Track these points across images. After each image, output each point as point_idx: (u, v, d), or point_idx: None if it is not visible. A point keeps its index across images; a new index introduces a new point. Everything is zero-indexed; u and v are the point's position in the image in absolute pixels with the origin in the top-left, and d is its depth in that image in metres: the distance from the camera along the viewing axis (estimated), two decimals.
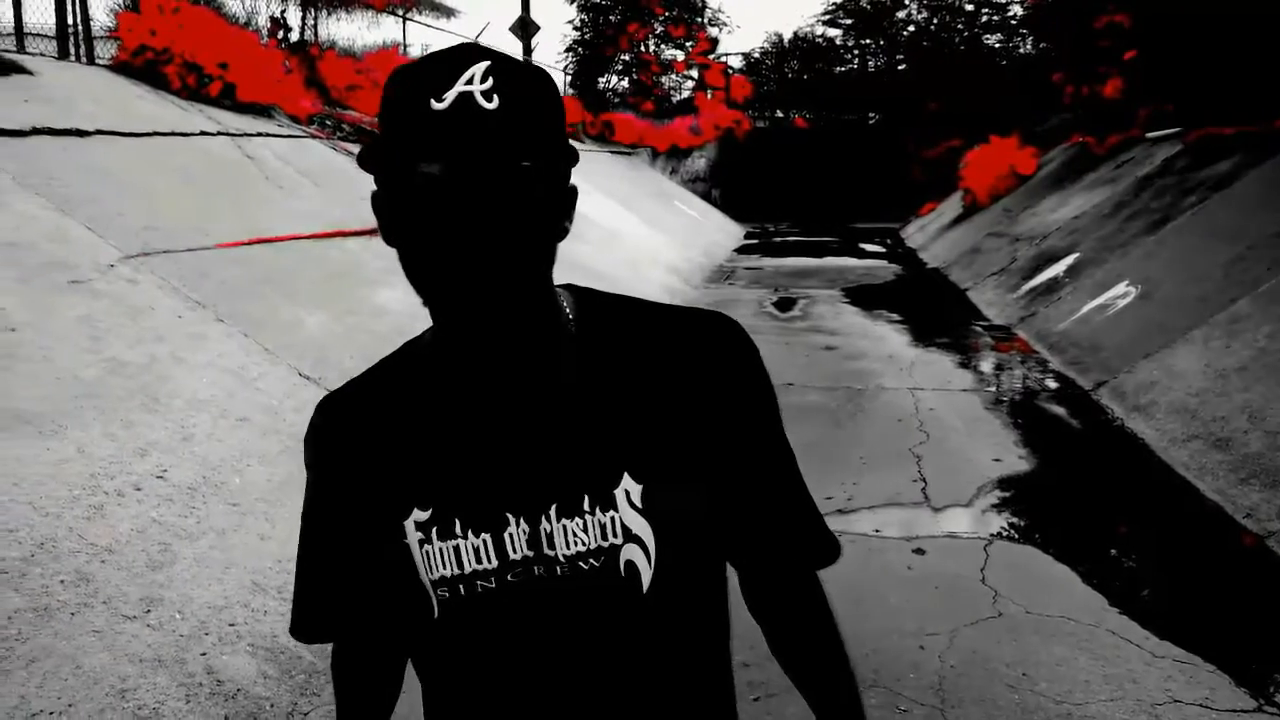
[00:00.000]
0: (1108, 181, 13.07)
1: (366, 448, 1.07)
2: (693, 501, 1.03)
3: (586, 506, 1.00)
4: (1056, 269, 10.90)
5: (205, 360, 4.59)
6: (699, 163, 27.61)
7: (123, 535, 3.29)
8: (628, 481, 1.00)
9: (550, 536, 1.00)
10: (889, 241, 21.22)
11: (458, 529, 1.01)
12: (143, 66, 8.32)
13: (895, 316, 11.09)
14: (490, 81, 0.88)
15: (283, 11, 11.76)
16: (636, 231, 14.69)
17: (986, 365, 8.62)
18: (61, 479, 3.37)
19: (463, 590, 1.02)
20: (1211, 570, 4.32)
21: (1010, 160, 17.44)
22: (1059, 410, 6.93)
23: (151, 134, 6.98)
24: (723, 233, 21.43)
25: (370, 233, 7.74)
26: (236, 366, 4.70)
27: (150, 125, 7.13)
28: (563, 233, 0.99)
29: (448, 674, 1.10)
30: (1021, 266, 12.19)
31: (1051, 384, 7.71)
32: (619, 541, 1.00)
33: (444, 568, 1.02)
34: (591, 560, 1.00)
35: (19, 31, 8.64)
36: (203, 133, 7.68)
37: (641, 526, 1.00)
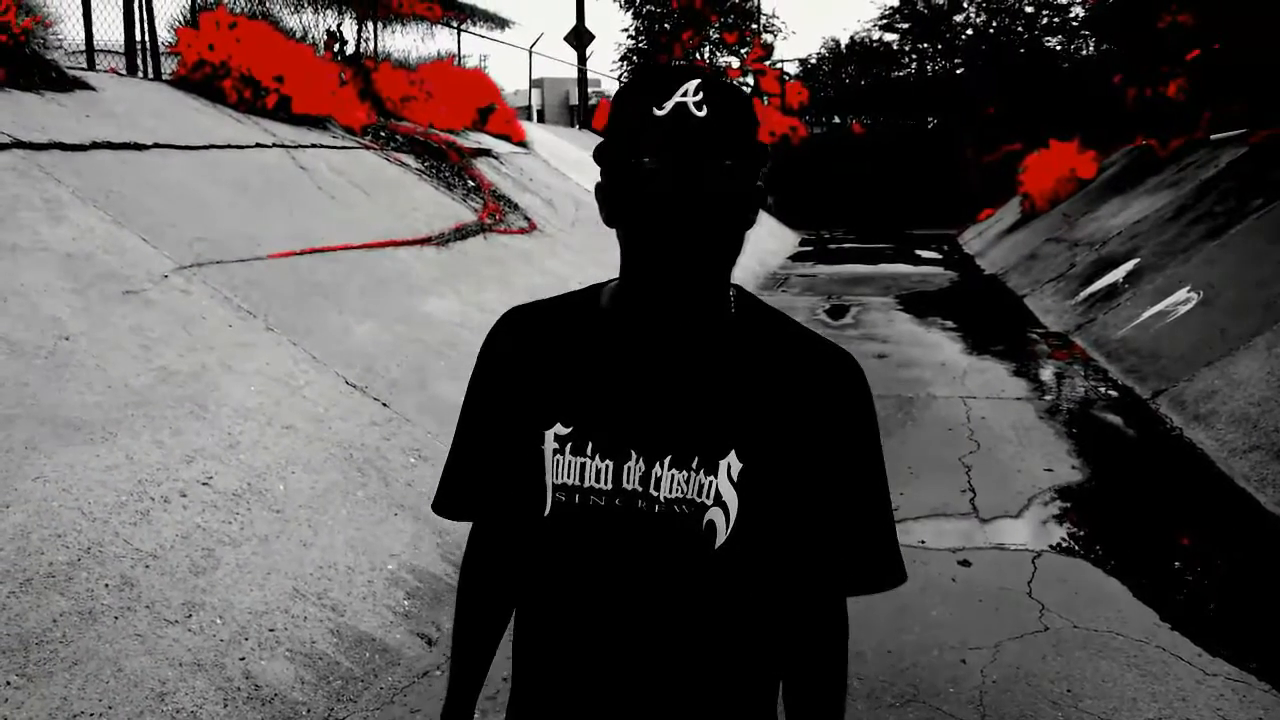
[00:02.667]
0: (1170, 185, 12.77)
1: (532, 361, 1.27)
2: (779, 494, 1.19)
3: (694, 465, 1.17)
4: (1116, 275, 10.67)
5: (253, 369, 4.67)
6: None
7: (167, 541, 3.36)
8: (732, 457, 1.17)
9: (659, 479, 1.18)
10: (946, 248, 20.94)
11: (589, 450, 1.21)
12: (201, 81, 8.51)
13: (949, 324, 10.93)
14: (701, 95, 1.09)
15: (339, 25, 11.94)
16: None
17: (1041, 373, 8.46)
18: (110, 485, 3.45)
19: (577, 500, 1.22)
20: (1269, 587, 4.18)
21: (1070, 164, 17.13)
22: (1115, 419, 6.78)
23: (208, 147, 7.13)
24: (776, 239, 21.33)
25: (421, 242, 7.84)
26: (284, 375, 4.78)
27: (206, 138, 7.28)
28: (751, 223, 1.18)
29: (543, 571, 1.29)
30: (1080, 272, 11.96)
31: (1108, 392, 7.54)
32: (709, 502, 1.17)
33: (568, 477, 1.22)
34: (684, 508, 1.18)
35: (89, 48, 8.89)
36: (258, 145, 7.83)
37: (731, 497, 1.17)
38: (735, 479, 1.17)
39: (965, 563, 4.36)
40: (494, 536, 1.40)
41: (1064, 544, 4.61)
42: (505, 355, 1.30)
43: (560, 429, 1.22)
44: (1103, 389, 7.67)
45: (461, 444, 1.36)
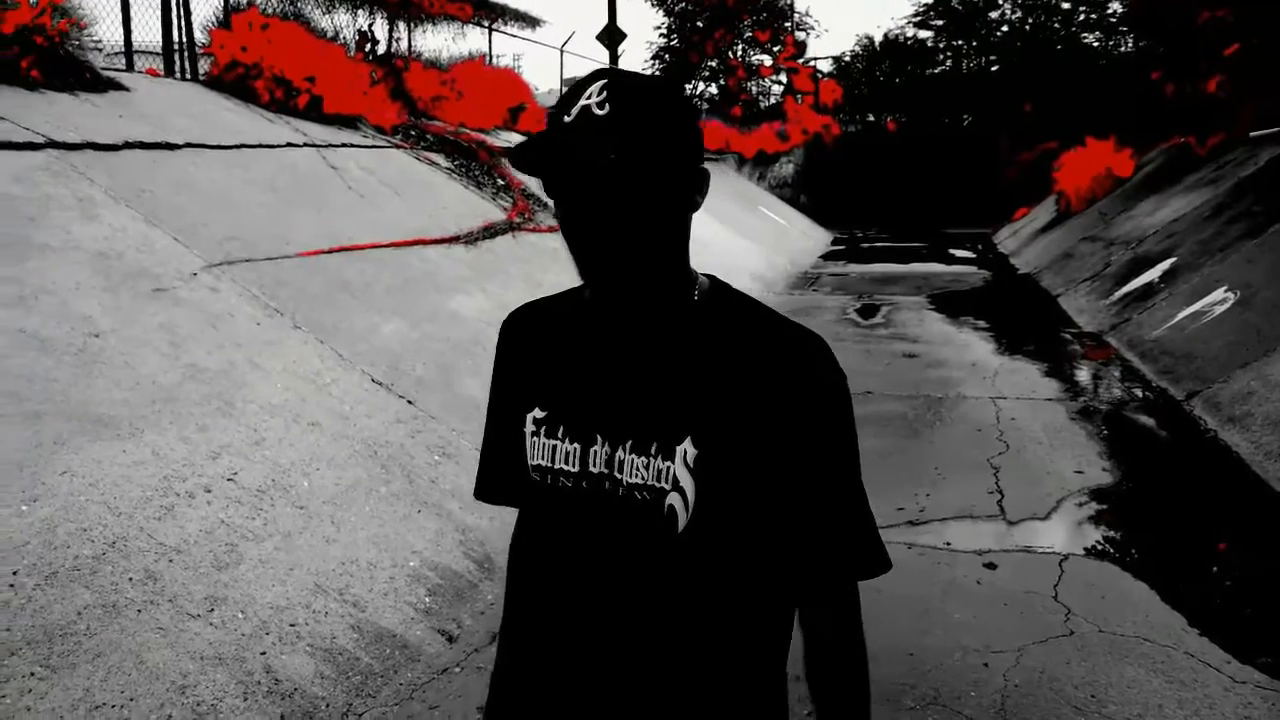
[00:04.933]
0: (1208, 183, 12.57)
1: (524, 353, 1.36)
2: (738, 479, 1.19)
3: (653, 451, 1.20)
4: (1151, 274, 10.52)
5: (280, 366, 4.71)
6: (786, 168, 27.39)
7: (191, 536, 3.39)
8: (688, 443, 1.19)
9: (622, 463, 1.22)
10: (980, 247, 20.74)
11: (560, 433, 1.27)
12: (234, 81, 8.60)
13: (981, 323, 10.83)
14: (604, 95, 1.13)
15: (370, 25, 12.03)
16: (720, 238, 14.64)
17: (1074, 374, 8.35)
18: (136, 480, 3.49)
19: (549, 480, 1.28)
20: None
21: (1106, 162, 16.90)
22: (1148, 421, 6.68)
23: (239, 146, 7.21)
24: (809, 238, 21.23)
25: (450, 241, 7.88)
26: (311, 372, 4.82)
27: (238, 138, 7.36)
28: (692, 206, 1.23)
29: (527, 548, 1.37)
30: (1115, 272, 11.80)
31: (1141, 394, 7.44)
32: (667, 488, 1.20)
33: (542, 458, 1.28)
34: (645, 494, 1.21)
35: (128, 49, 9.02)
36: (288, 144, 7.90)
37: (688, 482, 1.19)
38: (691, 465, 1.18)
39: (991, 565, 4.31)
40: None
41: (1092, 547, 4.55)
42: (507, 349, 1.40)
43: (538, 412, 1.30)
44: (1136, 390, 7.57)
45: (489, 434, 1.45)
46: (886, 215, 26.24)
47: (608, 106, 1.12)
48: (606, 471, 1.23)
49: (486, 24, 16.54)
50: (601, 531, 1.24)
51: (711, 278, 1.32)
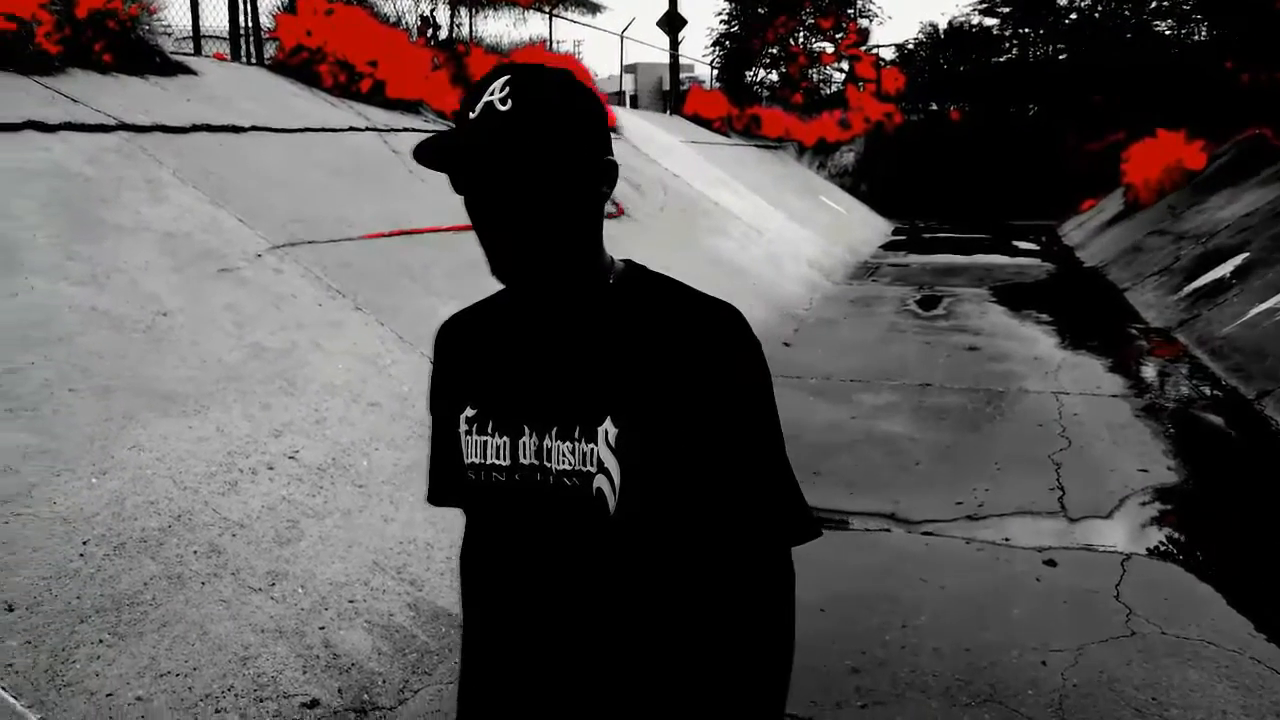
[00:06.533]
0: None
1: (456, 356, 1.37)
2: (659, 455, 1.20)
3: (576, 435, 1.21)
4: (1223, 269, 10.24)
5: (342, 347, 4.77)
6: (847, 157, 27.11)
7: (254, 511, 3.46)
8: (609, 423, 1.20)
9: (550, 451, 1.23)
10: (1044, 239, 20.36)
11: (490, 429, 1.28)
12: (298, 66, 8.71)
13: (1045, 317, 10.63)
14: (507, 90, 1.13)
15: (432, 10, 12.11)
16: (780, 226, 14.55)
17: (1140, 370, 8.17)
18: (201, 456, 3.57)
19: (483, 477, 1.28)
20: None
21: (1177, 154, 16.46)
22: (1216, 420, 6.51)
23: (303, 130, 7.30)
24: (869, 228, 21.01)
25: None
26: (371, 354, 4.88)
27: (302, 121, 7.46)
28: (600, 198, 1.23)
29: (474, 545, 1.38)
30: (1185, 266, 11.51)
31: (1210, 391, 7.25)
32: (593, 470, 1.21)
33: (476, 455, 1.29)
34: (574, 479, 1.22)
35: (195, 34, 9.19)
36: (351, 128, 7.99)
37: (611, 463, 1.20)
38: (613, 444, 1.20)
39: (1051, 562, 4.23)
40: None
41: (1157, 547, 4.45)
42: (442, 356, 1.41)
43: (469, 411, 1.30)
44: (1205, 388, 7.38)
45: (434, 440, 1.45)
46: (948, 206, 25.84)
47: (510, 103, 1.12)
48: (536, 462, 1.24)
49: (547, 9, 16.57)
50: (537, 522, 1.25)
51: (628, 261, 1.33)
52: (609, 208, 9.87)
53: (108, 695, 2.56)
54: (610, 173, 1.23)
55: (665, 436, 1.20)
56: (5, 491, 2.98)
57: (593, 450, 1.20)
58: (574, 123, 1.17)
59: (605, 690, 1.25)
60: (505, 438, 1.26)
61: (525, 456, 1.24)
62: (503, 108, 1.12)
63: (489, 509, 1.31)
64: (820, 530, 1.29)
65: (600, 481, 1.20)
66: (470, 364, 1.34)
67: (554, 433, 1.22)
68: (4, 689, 2.43)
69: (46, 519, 2.96)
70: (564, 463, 1.22)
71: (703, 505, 1.23)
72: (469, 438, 1.30)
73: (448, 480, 1.42)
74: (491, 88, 1.14)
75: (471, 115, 1.14)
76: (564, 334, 1.25)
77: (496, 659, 1.32)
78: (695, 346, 1.21)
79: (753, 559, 1.25)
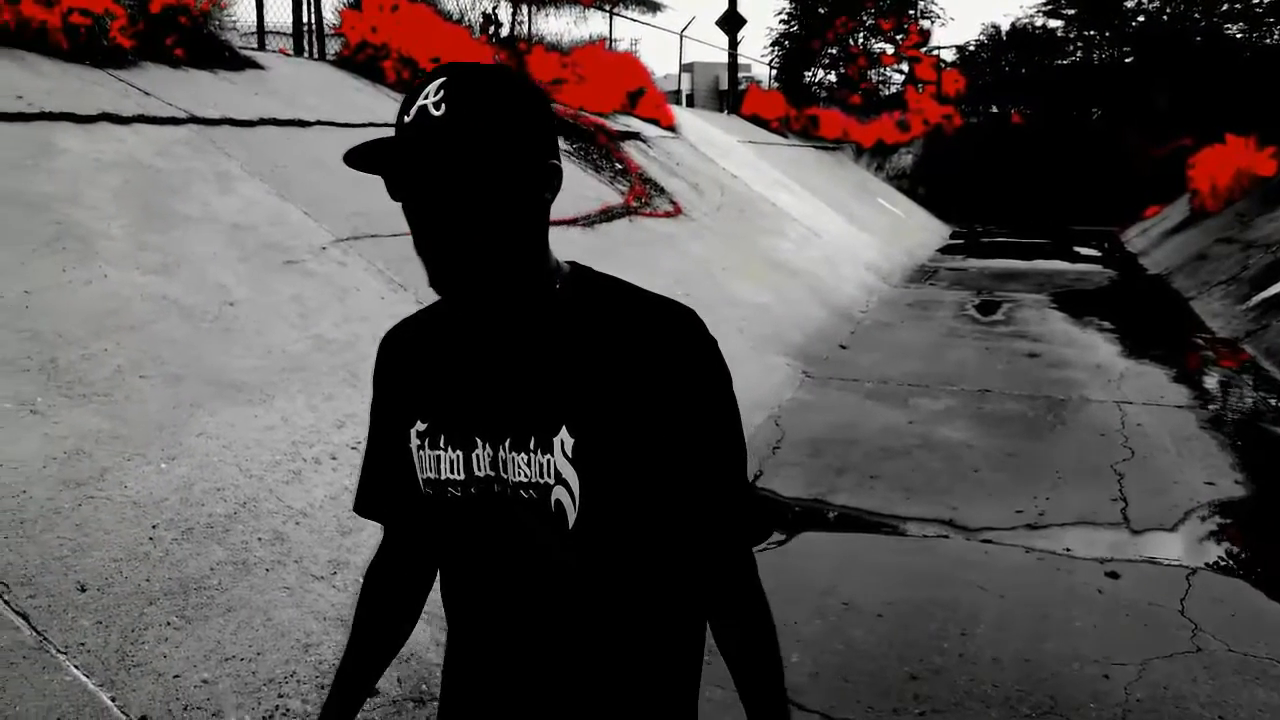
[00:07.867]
0: None
1: (401, 369, 1.32)
2: (618, 463, 1.16)
3: (532, 446, 1.17)
4: None
5: None
6: (905, 159, 26.84)
7: (317, 500, 3.50)
8: (564, 433, 1.16)
9: (505, 462, 1.19)
10: (1106, 245, 19.99)
11: (442, 443, 1.24)
12: (363, 62, 8.82)
13: (1106, 324, 10.43)
14: (441, 94, 1.08)
15: (494, 8, 12.20)
16: (836, 228, 14.44)
17: (1205, 380, 7.99)
18: (266, 444, 3.62)
19: (437, 492, 1.25)
20: None
21: (1247, 160, 16.06)
22: None
23: (367, 125, 7.39)
24: (927, 231, 20.78)
25: (568, 223, 7.95)
26: None
27: (366, 117, 7.55)
28: (543, 203, 1.18)
29: (440, 560, 1.35)
30: (1254, 275, 11.23)
31: (1278, 404, 7.07)
32: (551, 482, 1.17)
33: (429, 471, 1.25)
34: (531, 492, 1.18)
35: (260, 30, 9.35)
36: None
37: (570, 473, 1.16)
38: (570, 455, 1.16)
39: (1113, 574, 4.15)
40: (399, 542, 1.43)
41: (1223, 562, 4.34)
42: (382, 370, 1.36)
43: (420, 425, 1.26)
44: (1273, 400, 7.19)
45: (369, 453, 1.41)
46: (1008, 210, 25.43)
47: (444, 107, 1.07)
48: (492, 474, 1.20)
49: (608, 8, 16.60)
50: (496, 536, 1.22)
51: (574, 264, 1.28)
52: (666, 206, 9.88)
53: (175, 677, 2.61)
54: (554, 177, 1.18)
55: (624, 444, 1.16)
56: (79, 475, 3.05)
57: (549, 461, 1.16)
58: (512, 126, 1.11)
59: (575, 700, 1.24)
60: (458, 451, 1.22)
61: (480, 469, 1.21)
62: (436, 112, 1.07)
63: (447, 525, 1.28)
64: (770, 531, 1.29)
65: (559, 493, 1.17)
66: (416, 376, 1.29)
67: (508, 444, 1.19)
68: (77, 667, 2.49)
69: (118, 502, 3.03)
70: (520, 474, 1.18)
71: (664, 511, 1.20)
72: (421, 453, 1.26)
73: (376, 493, 1.40)
74: (426, 90, 1.09)
75: (406, 119, 1.09)
76: (512, 342, 1.21)
77: (469, 675, 1.31)
78: (650, 350, 1.17)
79: (723, 562, 1.24)
